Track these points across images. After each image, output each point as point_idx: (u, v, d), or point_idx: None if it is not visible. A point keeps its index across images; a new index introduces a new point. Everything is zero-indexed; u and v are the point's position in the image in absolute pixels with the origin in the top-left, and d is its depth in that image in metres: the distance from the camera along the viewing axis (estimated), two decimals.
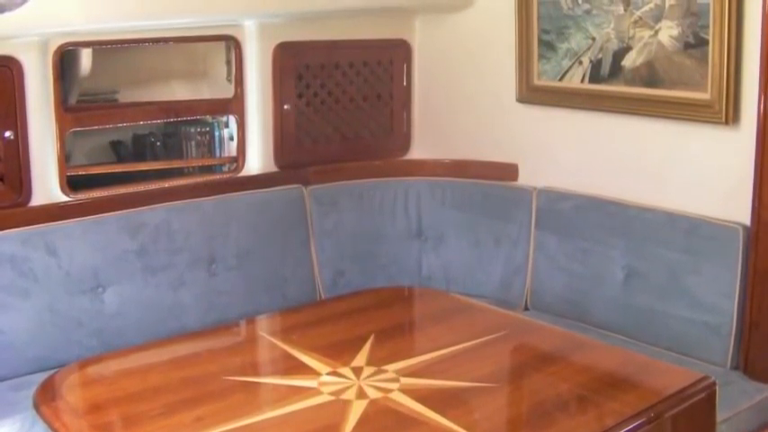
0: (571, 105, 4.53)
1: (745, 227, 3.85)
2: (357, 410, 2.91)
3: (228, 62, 5.20)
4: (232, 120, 4.95)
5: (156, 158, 5.64)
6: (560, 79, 4.55)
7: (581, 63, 4.44)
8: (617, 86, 4.31)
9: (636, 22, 4.18)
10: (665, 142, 4.19)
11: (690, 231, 4.01)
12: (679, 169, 4.15)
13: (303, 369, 3.24)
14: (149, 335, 3.95)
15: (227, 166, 5.07)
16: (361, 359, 3.30)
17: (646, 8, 4.13)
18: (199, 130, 5.63)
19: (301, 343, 3.47)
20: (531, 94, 4.71)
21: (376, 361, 3.28)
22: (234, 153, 4.92)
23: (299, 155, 4.88)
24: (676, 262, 4.04)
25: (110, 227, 4.15)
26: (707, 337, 3.93)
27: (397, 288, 4.43)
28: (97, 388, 3.28)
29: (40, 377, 3.33)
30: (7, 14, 3.57)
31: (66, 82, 4.59)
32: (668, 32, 4.06)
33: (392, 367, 3.22)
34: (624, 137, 4.36)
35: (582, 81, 4.46)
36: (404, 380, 3.12)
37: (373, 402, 2.97)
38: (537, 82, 4.66)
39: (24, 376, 3.74)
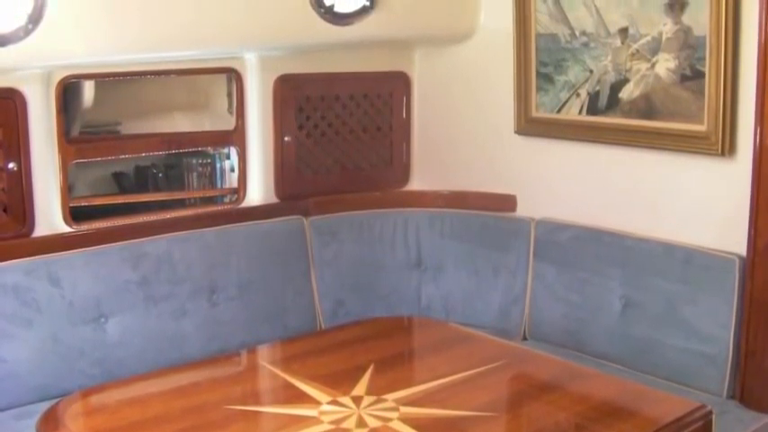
0: (569, 137, 4.56)
1: (741, 257, 3.87)
2: None
3: (230, 94, 5.22)
4: (233, 151, 4.97)
5: (157, 190, 5.64)
6: (558, 111, 4.59)
7: (579, 95, 4.48)
8: (614, 118, 4.34)
9: (633, 54, 4.22)
10: (661, 173, 4.23)
11: (686, 262, 4.03)
12: (676, 200, 4.18)
13: (303, 398, 3.25)
14: (151, 364, 3.96)
15: (229, 197, 5.09)
16: (360, 388, 3.31)
17: (643, 41, 4.17)
18: (200, 161, 5.64)
19: (302, 372, 3.48)
20: (529, 125, 4.74)
21: (376, 390, 3.29)
22: (235, 184, 4.95)
23: (299, 186, 4.91)
24: (673, 292, 4.06)
25: (112, 257, 4.17)
26: (703, 366, 3.94)
27: (396, 318, 4.43)
28: (99, 417, 3.29)
29: (43, 406, 3.35)
30: (10, 47, 3.60)
31: (68, 114, 4.61)
32: (665, 65, 4.10)
33: (392, 396, 3.23)
34: (621, 168, 4.39)
35: (580, 113, 4.49)
36: (403, 409, 3.14)
37: (373, 431, 2.99)
38: (535, 114, 4.69)
39: (27, 405, 3.75)
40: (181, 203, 5.18)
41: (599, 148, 4.45)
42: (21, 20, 3.58)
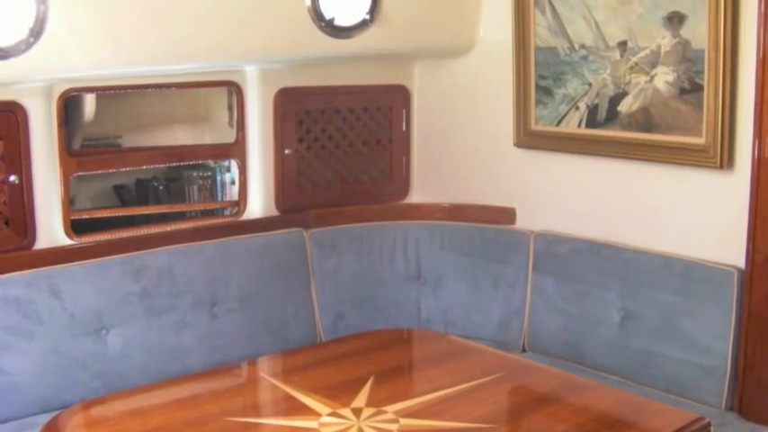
0: (568, 150, 4.57)
1: (739, 270, 3.88)
2: None
3: (230, 107, 5.24)
4: (234, 164, 4.98)
5: (158, 202, 5.66)
6: (557, 124, 4.60)
7: (578, 108, 4.49)
8: (613, 131, 4.35)
9: (632, 67, 4.23)
10: (660, 186, 4.23)
11: (685, 274, 4.04)
12: (674, 213, 4.19)
13: (304, 410, 3.26)
14: (152, 376, 3.96)
15: (229, 209, 5.10)
16: (360, 400, 3.32)
17: (642, 54, 4.18)
18: (201, 174, 5.65)
19: (302, 384, 3.49)
20: (528, 138, 4.75)
21: (376, 402, 3.30)
22: (235, 197, 4.95)
23: (299, 199, 4.92)
24: (671, 304, 4.07)
25: (113, 270, 4.18)
26: (702, 378, 3.95)
27: (396, 330, 4.45)
28: (100, 429, 3.30)
29: (44, 418, 3.37)
30: (12, 60, 3.62)
31: (70, 127, 4.62)
32: (664, 78, 4.11)
33: (391, 408, 3.24)
34: (620, 181, 4.40)
35: (579, 126, 4.50)
36: (403, 421, 3.15)
37: None
38: (534, 127, 4.70)
39: (28, 417, 3.77)
40: (181, 216, 5.18)
41: (598, 161, 4.46)
42: (22, 33, 3.58)
